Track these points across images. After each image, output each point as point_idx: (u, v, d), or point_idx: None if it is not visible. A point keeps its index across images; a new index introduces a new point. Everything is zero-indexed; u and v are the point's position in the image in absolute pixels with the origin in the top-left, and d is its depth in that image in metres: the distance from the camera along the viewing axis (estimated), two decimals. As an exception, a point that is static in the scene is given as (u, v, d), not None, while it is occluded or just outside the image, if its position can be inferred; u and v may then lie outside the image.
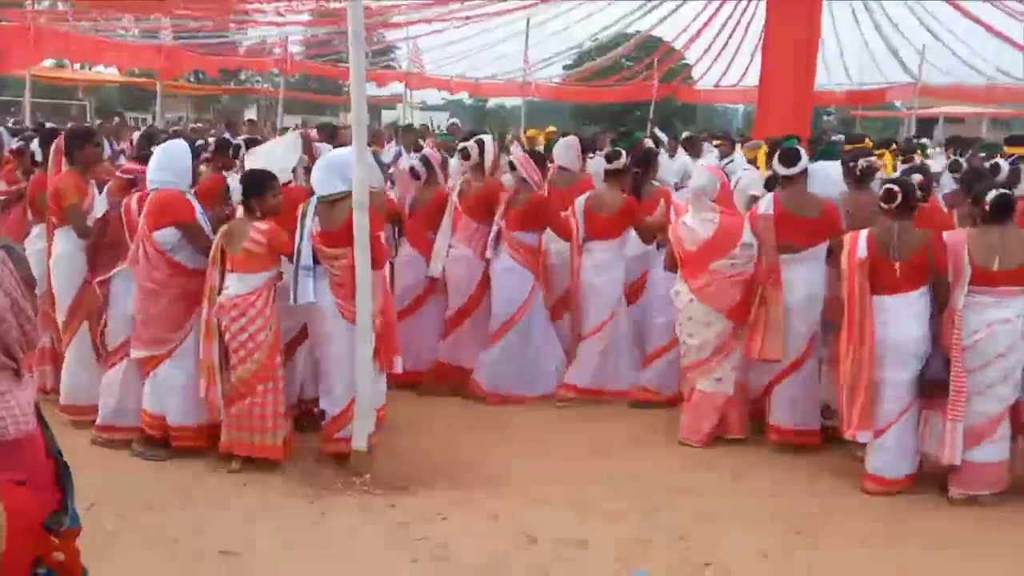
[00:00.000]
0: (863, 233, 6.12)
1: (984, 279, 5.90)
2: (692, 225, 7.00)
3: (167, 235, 6.16)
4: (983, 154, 10.77)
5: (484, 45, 29.45)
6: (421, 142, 13.85)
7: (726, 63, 31.48)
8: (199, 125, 22.69)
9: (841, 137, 13.45)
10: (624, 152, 8.17)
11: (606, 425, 7.38)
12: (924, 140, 16.61)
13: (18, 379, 2.46)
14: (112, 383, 6.50)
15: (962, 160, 9.69)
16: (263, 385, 6.05)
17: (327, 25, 26.80)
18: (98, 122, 17.61)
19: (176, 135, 10.86)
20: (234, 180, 6.37)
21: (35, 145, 7.52)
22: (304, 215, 6.10)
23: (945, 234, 6.17)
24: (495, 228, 7.83)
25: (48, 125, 9.71)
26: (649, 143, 10.85)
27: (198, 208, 6.31)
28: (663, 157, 11.04)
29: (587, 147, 10.60)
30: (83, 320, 6.73)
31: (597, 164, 10.04)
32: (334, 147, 8.74)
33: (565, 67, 37.78)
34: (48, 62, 27.96)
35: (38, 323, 2.54)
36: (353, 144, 5.93)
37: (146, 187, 6.43)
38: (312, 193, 6.25)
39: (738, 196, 7.70)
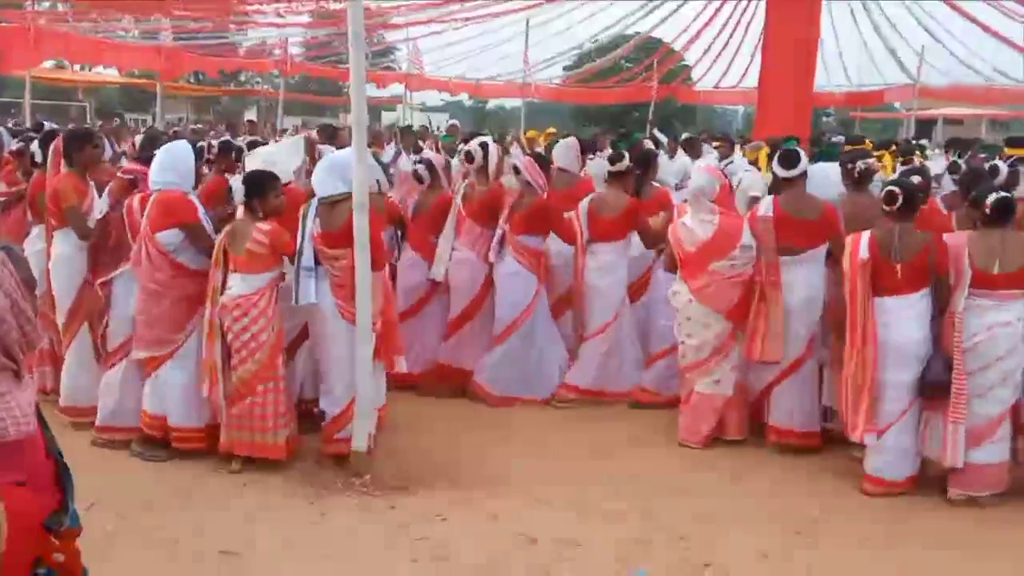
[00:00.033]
0: (865, 235, 6.12)
1: (984, 282, 5.90)
2: (691, 226, 7.01)
3: (170, 236, 6.16)
4: (983, 155, 10.76)
5: (484, 46, 29.48)
6: (421, 143, 13.87)
7: (726, 64, 31.53)
8: (199, 126, 22.70)
9: (841, 138, 13.46)
10: (627, 154, 8.16)
11: (606, 425, 7.38)
12: (923, 141, 16.61)
13: (18, 380, 2.47)
14: (111, 383, 6.49)
15: (961, 162, 9.68)
16: (263, 385, 6.05)
17: (327, 26, 26.81)
18: (99, 123, 17.59)
19: (176, 136, 10.87)
20: (236, 181, 6.36)
21: (35, 146, 7.51)
22: (305, 216, 6.11)
23: (946, 236, 6.18)
24: (499, 232, 7.83)
25: (46, 125, 9.68)
26: (649, 144, 10.84)
27: (200, 209, 6.31)
28: (663, 158, 11.04)
29: (587, 148, 10.60)
30: (83, 322, 6.73)
31: (597, 166, 10.05)
32: (334, 148, 8.74)
33: (565, 68, 37.82)
34: (48, 63, 27.93)
35: (38, 324, 2.54)
36: (353, 145, 5.93)
37: (147, 188, 6.43)
38: (313, 194, 6.26)
39: (739, 197, 7.71)
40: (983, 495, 5.99)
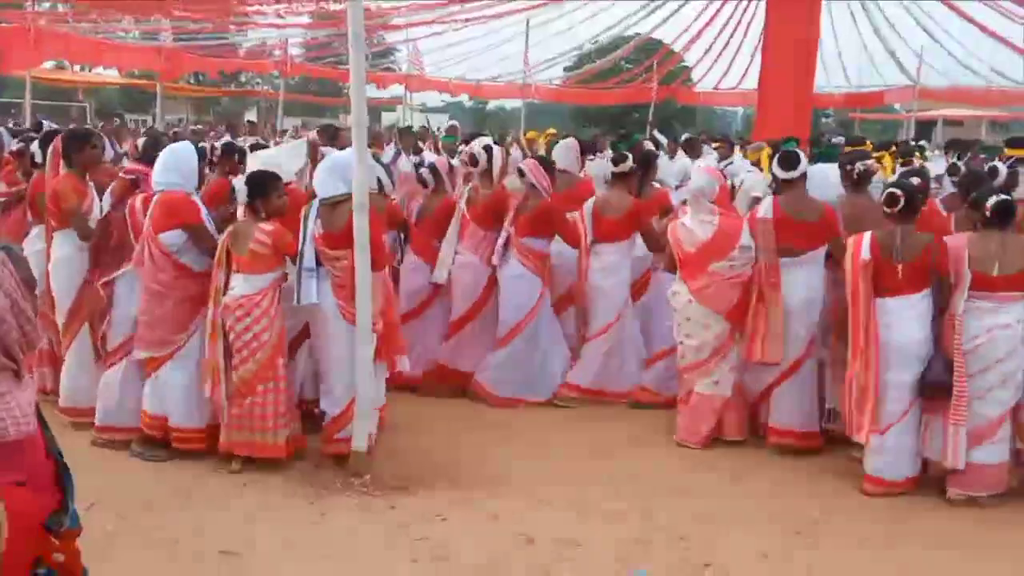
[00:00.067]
0: (866, 236, 6.12)
1: (983, 284, 5.91)
2: (691, 226, 7.02)
3: (173, 237, 6.16)
4: (983, 156, 10.76)
5: (484, 47, 29.49)
6: (420, 144, 13.86)
7: (725, 65, 31.54)
8: (199, 127, 22.72)
9: (842, 139, 13.45)
10: (630, 155, 8.17)
11: (606, 425, 7.38)
12: (922, 143, 16.61)
13: (18, 380, 2.47)
14: (111, 383, 6.49)
15: (960, 164, 9.69)
16: (264, 385, 6.05)
17: (327, 27, 26.82)
18: (100, 124, 17.59)
19: (176, 137, 10.86)
20: (238, 181, 6.37)
21: (35, 146, 7.51)
22: (306, 217, 6.12)
23: (946, 238, 6.19)
24: (504, 234, 7.83)
25: (44, 124, 9.68)
26: (649, 145, 10.85)
27: (203, 210, 6.32)
28: (663, 159, 11.05)
29: (587, 149, 10.61)
30: (83, 322, 6.72)
31: (597, 166, 10.07)
32: (336, 149, 8.73)
33: (565, 69, 37.83)
34: (48, 64, 27.92)
35: (38, 324, 2.54)
36: (353, 146, 5.93)
37: (149, 188, 6.43)
38: (314, 195, 6.26)
39: (741, 197, 7.72)
40: (982, 495, 5.99)
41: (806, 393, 6.88)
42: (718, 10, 27.87)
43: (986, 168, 8.35)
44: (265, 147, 8.66)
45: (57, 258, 6.83)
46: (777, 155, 7.19)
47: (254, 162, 6.89)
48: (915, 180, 6.86)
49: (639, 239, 8.00)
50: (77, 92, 34.54)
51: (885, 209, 6.13)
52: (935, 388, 5.98)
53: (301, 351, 6.76)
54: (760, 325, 6.77)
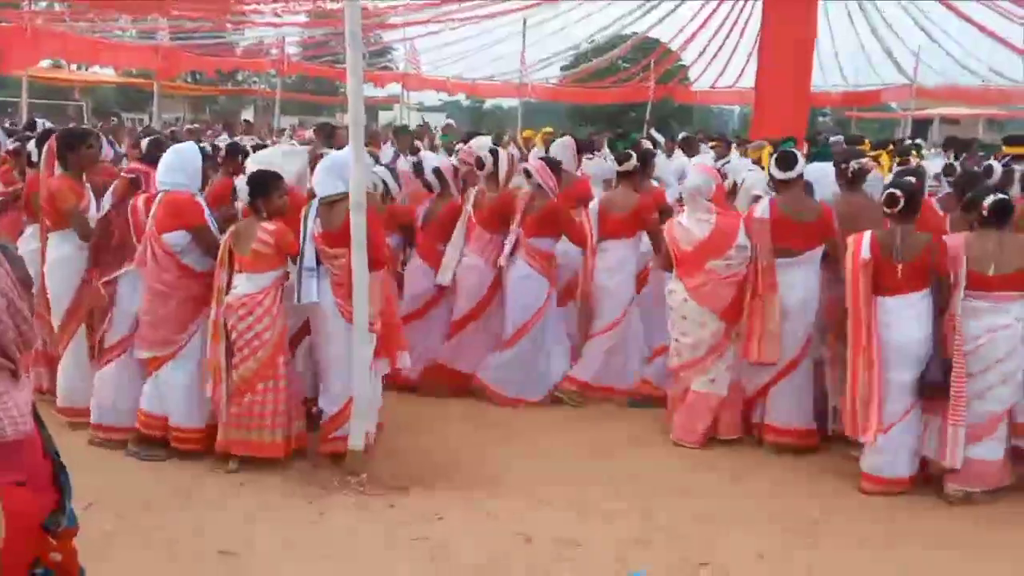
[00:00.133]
0: (866, 235, 6.13)
1: (980, 284, 5.92)
2: (688, 225, 7.02)
3: (176, 237, 6.16)
4: (981, 154, 10.77)
5: (481, 46, 29.50)
6: (418, 144, 13.85)
7: (722, 64, 31.57)
8: (196, 126, 22.66)
9: (840, 138, 13.47)
10: (634, 153, 8.17)
11: (606, 425, 7.37)
12: (919, 141, 16.63)
13: (15, 380, 2.45)
14: (106, 381, 6.47)
15: (955, 164, 9.70)
16: (264, 383, 6.05)
17: (324, 26, 26.82)
18: (99, 123, 17.57)
19: (173, 136, 10.85)
20: (240, 181, 6.36)
21: (31, 145, 7.49)
22: (306, 216, 6.13)
23: (944, 238, 6.19)
24: (512, 235, 7.82)
25: (39, 123, 9.67)
26: (647, 144, 10.86)
27: (206, 210, 6.32)
28: (660, 158, 11.05)
29: (585, 148, 10.61)
30: (81, 322, 6.70)
31: (595, 166, 10.07)
32: (332, 147, 8.72)
33: (562, 68, 37.86)
34: (45, 62, 27.92)
35: (34, 324, 2.52)
36: (350, 145, 5.92)
37: (150, 188, 6.42)
38: (314, 195, 6.27)
39: (742, 196, 7.73)
40: (979, 492, 6.00)
41: (803, 392, 6.90)
42: (714, 10, 27.89)
43: (981, 167, 8.36)
44: (264, 147, 8.66)
45: (54, 258, 6.80)
46: (774, 155, 7.19)
47: (251, 164, 6.89)
48: (911, 179, 6.86)
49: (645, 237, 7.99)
50: (74, 91, 34.51)
51: (885, 209, 6.14)
52: (932, 388, 5.98)
53: (299, 350, 6.75)
54: (756, 325, 6.77)
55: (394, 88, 31.32)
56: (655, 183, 8.90)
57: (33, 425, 2.48)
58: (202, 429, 6.26)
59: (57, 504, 2.47)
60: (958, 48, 26.31)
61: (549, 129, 17.80)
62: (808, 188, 7.31)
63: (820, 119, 41.65)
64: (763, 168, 9.16)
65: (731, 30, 28.72)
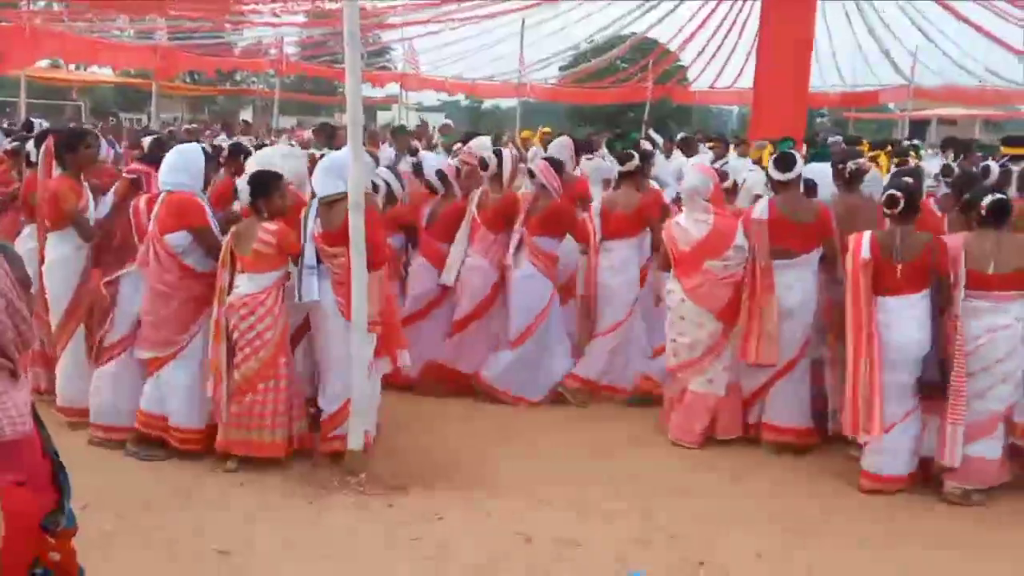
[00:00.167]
0: (866, 235, 6.13)
1: (979, 283, 5.92)
2: (685, 225, 7.04)
3: (178, 238, 6.17)
4: (980, 153, 10.79)
5: (480, 46, 29.50)
6: (416, 144, 13.86)
7: (721, 65, 31.57)
8: (194, 126, 22.66)
9: (839, 139, 13.48)
10: (636, 153, 8.19)
11: (606, 425, 7.36)
12: (916, 142, 16.65)
13: (14, 380, 2.45)
14: (105, 380, 6.47)
15: (953, 165, 9.71)
16: (265, 383, 6.05)
17: (323, 26, 26.81)
18: (99, 124, 17.58)
19: (172, 136, 10.85)
20: (241, 181, 6.37)
21: (30, 145, 7.49)
22: (306, 216, 6.15)
23: (944, 238, 6.19)
24: (516, 235, 7.83)
25: (36, 124, 9.68)
26: (646, 144, 10.87)
27: (209, 211, 6.33)
28: (659, 158, 11.06)
29: (585, 148, 10.61)
30: (80, 322, 6.70)
31: (593, 166, 10.08)
32: (332, 148, 8.73)
33: (561, 68, 37.86)
34: (43, 62, 27.92)
35: (33, 323, 2.52)
36: (348, 145, 5.93)
37: (152, 188, 6.42)
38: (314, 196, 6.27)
39: (743, 196, 7.74)
40: (977, 491, 6.00)
41: (801, 391, 6.91)
42: (713, 10, 27.89)
43: (979, 167, 8.38)
44: (263, 147, 8.67)
45: (53, 259, 6.79)
46: (773, 156, 7.20)
47: (251, 163, 6.89)
48: (909, 179, 6.87)
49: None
50: (72, 91, 34.50)
51: (885, 210, 6.14)
52: (928, 387, 5.99)
53: (297, 351, 6.74)
54: (754, 326, 6.77)
55: (393, 88, 31.33)
56: (653, 183, 8.89)
57: (32, 425, 2.47)
58: (202, 430, 6.26)
59: (56, 504, 2.46)
60: (955, 49, 26.35)
61: (547, 129, 17.80)
62: (812, 188, 7.32)
63: (818, 120, 41.68)
64: (764, 168, 9.17)
65: (729, 30, 28.72)
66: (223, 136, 16.38)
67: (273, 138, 17.67)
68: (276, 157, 7.21)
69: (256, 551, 5.05)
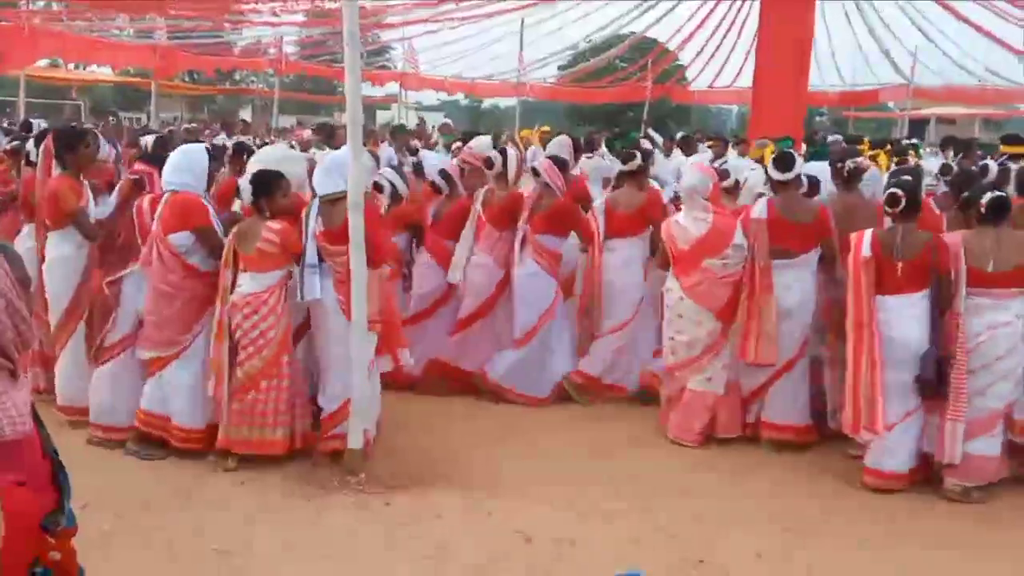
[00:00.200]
0: (867, 233, 6.14)
1: (980, 281, 5.93)
2: (685, 224, 7.04)
3: (182, 238, 6.18)
4: (980, 152, 10.80)
5: (479, 46, 29.49)
6: (416, 143, 13.86)
7: (720, 64, 31.55)
8: (193, 125, 22.64)
9: (839, 137, 13.47)
10: (638, 153, 8.20)
11: (606, 425, 7.36)
12: (915, 141, 16.64)
13: (14, 380, 2.45)
14: (105, 379, 6.47)
15: (952, 164, 9.72)
16: (267, 381, 6.07)
17: (322, 25, 26.79)
18: (99, 124, 17.58)
19: (171, 135, 10.86)
20: (243, 180, 6.38)
21: (30, 145, 7.49)
22: (307, 215, 6.16)
23: (944, 236, 6.19)
24: (520, 233, 7.84)
25: (34, 124, 9.67)
26: (645, 143, 10.88)
27: (212, 211, 6.34)
28: (659, 157, 11.06)
29: (584, 147, 10.61)
30: (79, 321, 6.70)
31: (593, 164, 10.08)
32: (332, 147, 8.74)
33: (560, 68, 37.85)
34: (42, 62, 27.90)
35: (33, 323, 2.52)
36: (348, 144, 5.93)
37: (155, 189, 6.43)
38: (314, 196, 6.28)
39: (745, 194, 7.74)
40: (976, 488, 6.01)
41: (800, 390, 6.93)
42: (712, 10, 27.88)
43: (978, 166, 8.39)
44: (264, 146, 8.68)
45: (53, 258, 6.78)
46: (772, 156, 7.21)
47: (253, 162, 6.90)
48: (908, 178, 6.87)
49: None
50: (71, 90, 34.47)
51: (887, 208, 6.15)
52: (924, 385, 5.99)
53: (297, 349, 6.74)
54: (753, 326, 6.77)
55: (392, 87, 31.32)
56: (653, 183, 8.89)
57: (32, 425, 2.47)
58: (203, 429, 6.26)
59: (56, 504, 2.46)
60: (955, 48, 26.34)
61: (546, 128, 17.80)
62: (815, 185, 7.33)
63: (817, 119, 41.67)
64: (765, 167, 9.18)
65: (728, 29, 28.70)
66: (223, 135, 16.38)
67: (273, 137, 17.67)
68: (276, 154, 7.21)
69: (256, 551, 5.05)
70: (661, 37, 33.57)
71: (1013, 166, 8.53)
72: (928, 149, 16.67)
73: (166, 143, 7.76)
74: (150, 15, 22.08)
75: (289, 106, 39.45)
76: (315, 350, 6.47)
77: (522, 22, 25.54)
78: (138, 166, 7.10)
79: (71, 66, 33.65)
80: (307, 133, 16.67)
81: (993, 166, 8.25)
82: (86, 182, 6.85)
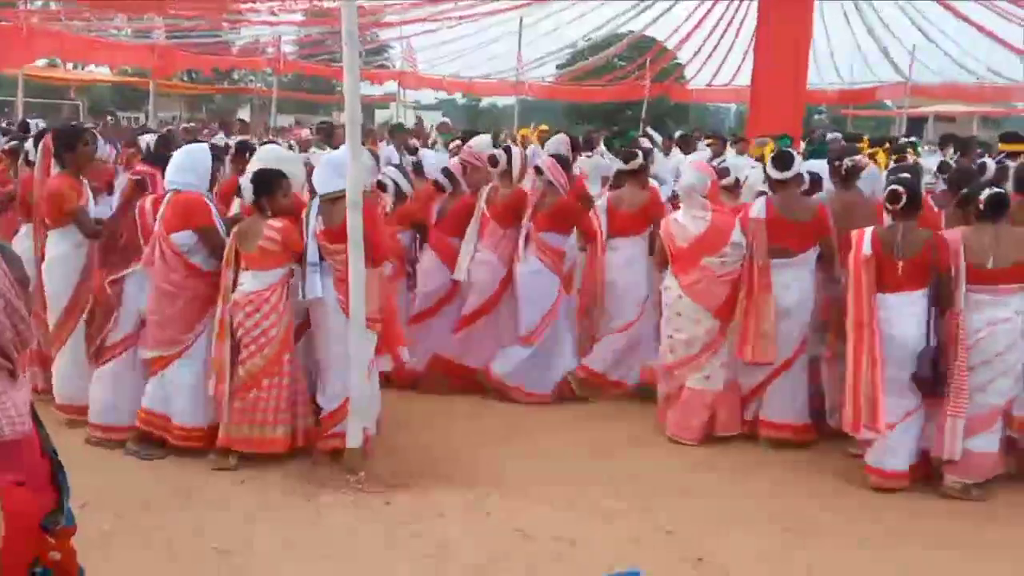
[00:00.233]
0: (867, 231, 6.14)
1: (979, 277, 5.93)
2: (683, 222, 7.05)
3: (184, 237, 6.19)
4: (979, 151, 10.81)
5: (477, 45, 29.50)
6: (414, 142, 13.86)
7: (718, 63, 31.58)
8: (192, 125, 22.63)
9: (838, 135, 13.47)
10: (640, 152, 8.22)
11: (606, 425, 7.35)
12: (913, 139, 16.66)
13: (13, 379, 2.45)
14: (105, 379, 6.47)
15: (950, 162, 9.73)
16: (269, 380, 6.07)
17: (320, 24, 26.79)
18: (99, 124, 17.58)
19: (169, 134, 10.85)
20: (244, 179, 6.39)
21: (29, 144, 7.48)
22: (308, 214, 6.17)
23: (943, 233, 6.19)
24: (524, 230, 7.85)
25: (31, 123, 9.67)
26: (644, 142, 10.88)
27: (215, 211, 6.35)
28: (658, 156, 11.05)
29: (583, 146, 10.61)
30: (78, 320, 6.69)
31: (592, 163, 10.06)
32: (332, 146, 8.74)
33: (558, 67, 37.85)
34: (40, 61, 27.89)
35: (31, 323, 2.52)
36: (347, 143, 5.93)
37: (156, 189, 6.43)
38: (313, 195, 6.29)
39: (746, 193, 7.75)
40: (975, 486, 6.02)
41: (798, 388, 6.93)
42: (709, 9, 27.89)
43: (976, 164, 8.40)
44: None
45: (52, 257, 6.78)
46: (770, 156, 7.21)
47: (254, 161, 6.90)
48: (908, 175, 6.88)
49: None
50: (69, 90, 34.47)
51: (887, 206, 6.15)
52: (920, 382, 6.00)
53: (297, 347, 6.74)
54: (751, 325, 6.77)
55: (391, 87, 31.31)
56: (652, 181, 8.89)
57: (31, 425, 2.47)
58: (204, 428, 6.26)
59: (56, 503, 2.46)
60: (955, 48, 26.36)
61: (544, 127, 17.79)
62: (818, 182, 7.34)
63: (816, 116, 41.68)
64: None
65: (727, 28, 28.72)
66: (221, 135, 16.37)
67: (271, 137, 17.64)
68: (277, 152, 7.21)
69: (256, 550, 5.05)
70: (659, 35, 33.61)
71: (1011, 164, 8.53)
72: (926, 147, 16.64)
73: (168, 143, 7.77)
74: (148, 15, 22.07)
75: (287, 105, 39.41)
76: (315, 349, 6.47)
77: (520, 21, 25.52)
78: (140, 167, 7.09)
79: (69, 66, 33.63)
80: (305, 132, 16.68)
81: (991, 164, 8.26)
82: (85, 181, 6.85)
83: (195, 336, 6.26)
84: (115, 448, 6.38)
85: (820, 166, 7.70)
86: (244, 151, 8.00)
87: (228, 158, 8.03)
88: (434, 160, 8.89)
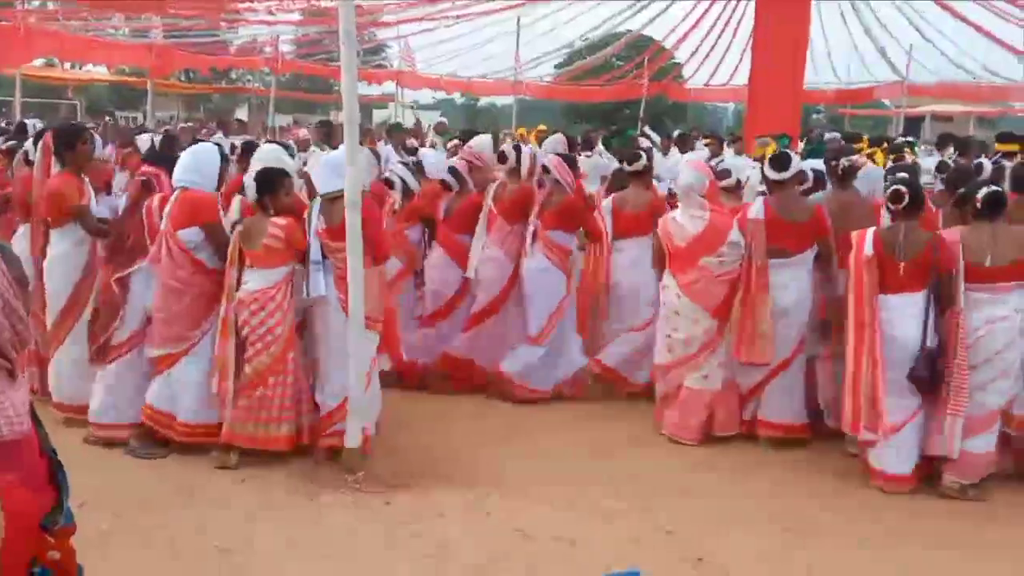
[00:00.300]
0: (869, 232, 6.15)
1: (978, 276, 5.94)
2: (681, 221, 7.06)
3: (190, 234, 6.21)
4: (977, 149, 10.83)
5: (475, 44, 29.48)
6: (412, 142, 13.86)
7: (716, 62, 31.59)
8: (190, 124, 22.59)
9: (836, 135, 13.48)
10: (643, 153, 8.23)
11: (606, 425, 7.35)
12: (910, 139, 16.68)
13: (12, 379, 2.44)
14: (108, 378, 6.46)
15: (949, 162, 9.74)
16: (274, 377, 6.09)
17: (318, 24, 26.76)
18: (98, 124, 17.57)
19: (168, 134, 10.85)
20: (248, 178, 6.40)
21: (29, 144, 7.47)
22: (310, 213, 6.19)
23: (942, 232, 6.19)
24: (531, 228, 7.85)
25: (28, 124, 9.65)
26: (643, 142, 10.89)
27: (221, 209, 6.36)
28: (656, 155, 11.06)
29: (582, 145, 10.61)
30: (78, 319, 6.69)
31: (591, 163, 10.07)
32: (331, 146, 8.74)
33: (556, 66, 37.84)
34: (38, 61, 27.88)
35: (30, 323, 2.51)
36: (345, 143, 5.93)
37: (162, 189, 6.48)
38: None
39: (747, 192, 7.76)
40: (974, 483, 6.03)
41: (796, 387, 6.95)
42: (707, 9, 27.90)
43: (972, 164, 8.41)
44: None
45: (53, 256, 6.78)
46: (768, 156, 7.21)
47: (256, 160, 6.91)
48: (908, 175, 6.88)
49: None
50: (67, 90, 34.44)
51: (889, 205, 6.15)
52: (917, 382, 6.00)
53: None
54: (748, 325, 6.77)
55: (389, 86, 31.30)
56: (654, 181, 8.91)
57: (30, 425, 2.46)
58: (208, 425, 6.26)
59: (55, 503, 2.45)
60: (952, 47, 26.38)
61: (543, 127, 17.80)
62: (820, 180, 7.33)
63: (814, 116, 41.69)
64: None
65: (724, 28, 28.72)
66: (219, 134, 16.36)
67: (269, 136, 17.65)
68: (277, 152, 7.21)
69: (257, 549, 5.05)
70: (657, 35, 33.60)
71: (1008, 163, 8.54)
72: (923, 147, 16.65)
73: (173, 142, 7.79)
74: (146, 15, 22.06)
75: (285, 105, 39.41)
76: (315, 347, 6.47)
77: (518, 20, 25.52)
78: (145, 167, 7.09)
79: (67, 65, 33.61)
80: (303, 132, 16.67)
81: (987, 164, 8.27)
82: (87, 179, 6.84)
83: (202, 333, 6.27)
84: (115, 447, 6.38)
85: (819, 165, 7.70)
86: (250, 151, 8.00)
87: (234, 158, 8.02)
88: (434, 160, 8.87)
